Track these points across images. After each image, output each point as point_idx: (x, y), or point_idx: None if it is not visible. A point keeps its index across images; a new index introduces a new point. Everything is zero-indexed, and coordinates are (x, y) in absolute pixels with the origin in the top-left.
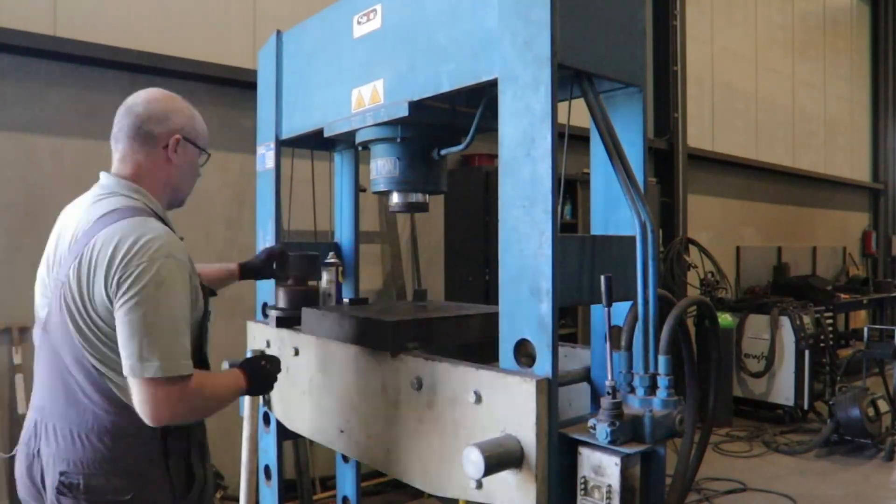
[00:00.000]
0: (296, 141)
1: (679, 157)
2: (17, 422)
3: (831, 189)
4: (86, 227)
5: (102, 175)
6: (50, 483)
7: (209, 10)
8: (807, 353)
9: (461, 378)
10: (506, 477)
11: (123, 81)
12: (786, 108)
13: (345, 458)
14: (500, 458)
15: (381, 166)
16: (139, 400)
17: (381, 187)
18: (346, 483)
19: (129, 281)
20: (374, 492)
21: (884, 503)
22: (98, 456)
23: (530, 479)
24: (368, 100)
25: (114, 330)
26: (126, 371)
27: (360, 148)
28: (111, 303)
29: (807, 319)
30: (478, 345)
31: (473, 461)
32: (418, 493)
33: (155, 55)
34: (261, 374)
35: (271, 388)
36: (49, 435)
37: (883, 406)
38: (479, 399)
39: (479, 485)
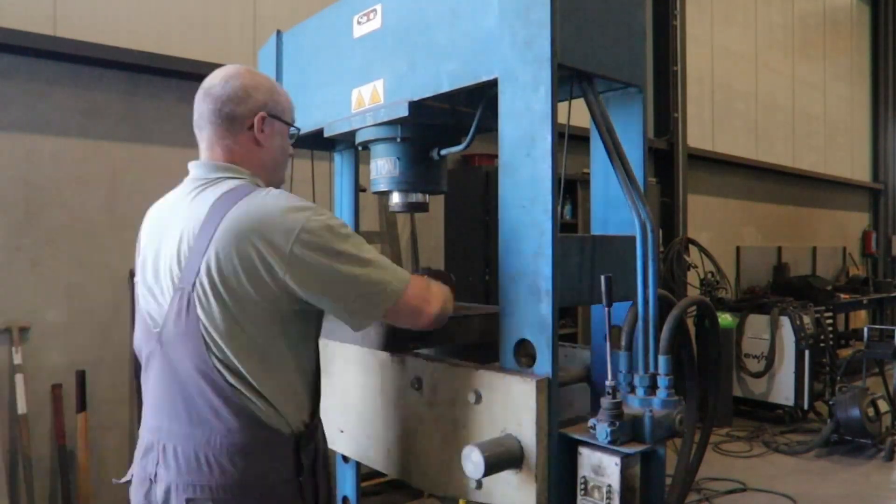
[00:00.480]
0: (296, 141)
1: (679, 157)
2: (17, 422)
3: (831, 189)
4: (201, 218)
5: (193, 166)
6: None
7: (209, 10)
8: (807, 353)
9: (461, 378)
10: (506, 477)
11: (123, 81)
12: (786, 108)
13: (345, 458)
14: (500, 458)
15: (381, 166)
16: (407, 323)
17: (382, 187)
18: (346, 483)
19: (311, 247)
20: (374, 492)
21: (884, 503)
22: (228, 480)
23: (530, 479)
24: (368, 100)
25: (271, 314)
26: (353, 324)
27: (360, 148)
28: (284, 277)
29: (807, 319)
30: (478, 345)
31: (473, 461)
32: (418, 493)
33: (155, 55)
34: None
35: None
36: (169, 458)
37: (883, 406)
38: (479, 399)
39: (479, 485)
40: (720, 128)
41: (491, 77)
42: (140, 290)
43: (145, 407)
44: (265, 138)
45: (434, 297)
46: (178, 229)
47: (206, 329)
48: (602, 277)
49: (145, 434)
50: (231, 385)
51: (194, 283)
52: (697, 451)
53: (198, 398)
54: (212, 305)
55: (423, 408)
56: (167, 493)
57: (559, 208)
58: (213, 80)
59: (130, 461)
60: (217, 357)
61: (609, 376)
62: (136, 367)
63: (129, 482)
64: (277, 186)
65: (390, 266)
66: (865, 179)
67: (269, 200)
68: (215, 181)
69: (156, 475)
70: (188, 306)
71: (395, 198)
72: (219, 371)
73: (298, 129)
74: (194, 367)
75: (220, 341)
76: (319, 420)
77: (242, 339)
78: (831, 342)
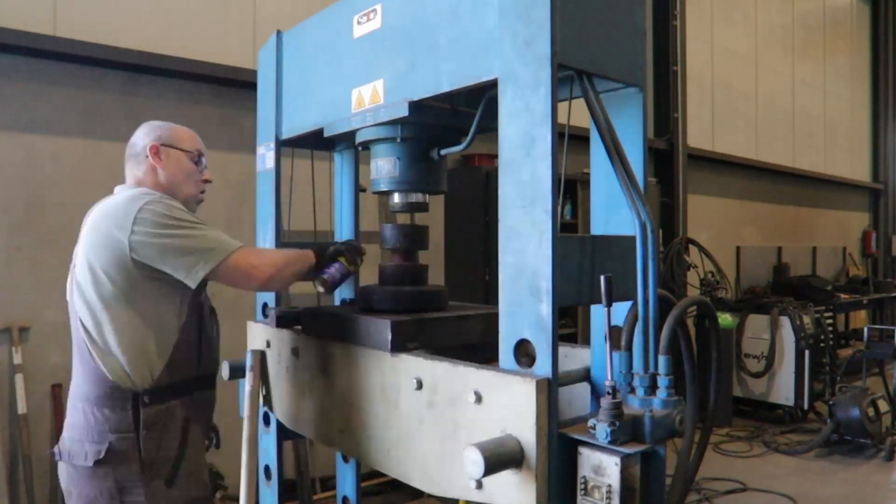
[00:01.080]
0: (296, 141)
1: (679, 157)
2: (16, 422)
3: (831, 189)
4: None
5: (117, 189)
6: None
7: (209, 10)
8: (807, 353)
9: (461, 378)
10: (506, 477)
11: (123, 81)
12: (786, 108)
13: (345, 458)
14: (500, 458)
15: (382, 166)
16: (241, 283)
17: (382, 187)
18: (346, 483)
19: (146, 224)
20: (374, 492)
21: (884, 503)
22: (77, 420)
23: (530, 479)
24: (368, 100)
25: (120, 283)
26: (190, 282)
27: (360, 148)
28: (130, 250)
29: (807, 319)
30: (478, 345)
31: (473, 461)
32: (418, 493)
33: (155, 55)
34: (332, 261)
35: (349, 269)
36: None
37: (883, 406)
38: (479, 399)
39: (479, 485)
40: (720, 128)
41: (491, 77)
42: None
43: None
44: (161, 162)
45: (267, 264)
46: (88, 223)
47: (78, 294)
48: (602, 277)
49: None
50: (87, 339)
51: (73, 263)
52: (697, 451)
53: (76, 349)
54: (78, 277)
55: (423, 408)
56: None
57: (559, 208)
58: (135, 134)
59: None
60: (82, 316)
61: (609, 376)
62: None
63: None
64: (192, 199)
65: (220, 237)
66: (865, 179)
67: (121, 196)
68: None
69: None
70: (71, 281)
71: (395, 198)
72: (83, 328)
73: (198, 153)
74: (74, 329)
75: (81, 303)
76: (194, 386)
77: (95, 304)
78: (831, 342)
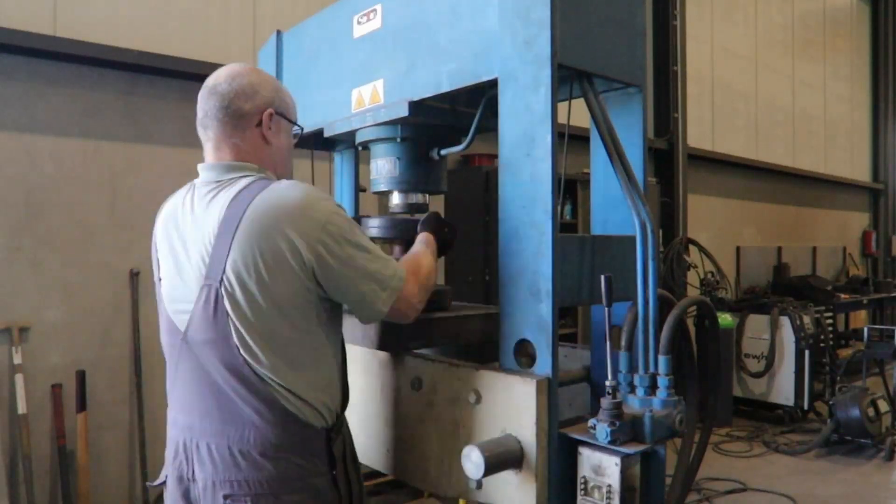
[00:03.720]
0: (296, 141)
1: (679, 157)
2: (16, 422)
3: (831, 189)
4: (220, 217)
5: (203, 168)
6: None
7: (209, 10)
8: (807, 353)
9: (461, 378)
10: (506, 477)
11: (123, 81)
12: (786, 108)
13: None
14: (500, 458)
15: (381, 166)
16: (394, 320)
17: (382, 187)
18: None
19: (329, 240)
20: (374, 492)
21: (884, 503)
22: (264, 474)
23: (530, 479)
24: (368, 100)
25: (302, 306)
26: (367, 319)
27: (360, 148)
28: (312, 266)
29: (807, 319)
30: (478, 345)
31: (473, 461)
32: (418, 493)
33: (155, 55)
34: (445, 240)
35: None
36: (204, 456)
37: (883, 406)
38: (479, 399)
39: (479, 485)
40: (720, 128)
41: (491, 77)
42: (164, 291)
43: (173, 408)
44: (273, 135)
45: (423, 289)
46: (199, 232)
47: (234, 324)
48: (602, 277)
49: (176, 434)
50: (262, 379)
51: (221, 279)
52: (697, 451)
53: (230, 394)
54: (239, 300)
55: (423, 408)
56: (205, 490)
57: (559, 208)
58: (217, 79)
59: (130, 461)
60: (246, 352)
61: (609, 376)
62: (137, 367)
63: (164, 484)
64: None
65: (391, 260)
66: (865, 179)
67: (290, 192)
68: (229, 182)
69: (193, 474)
70: (216, 303)
71: (395, 198)
72: (249, 366)
73: (302, 129)
74: (224, 364)
75: (247, 336)
76: (344, 413)
77: (271, 333)
78: (831, 342)
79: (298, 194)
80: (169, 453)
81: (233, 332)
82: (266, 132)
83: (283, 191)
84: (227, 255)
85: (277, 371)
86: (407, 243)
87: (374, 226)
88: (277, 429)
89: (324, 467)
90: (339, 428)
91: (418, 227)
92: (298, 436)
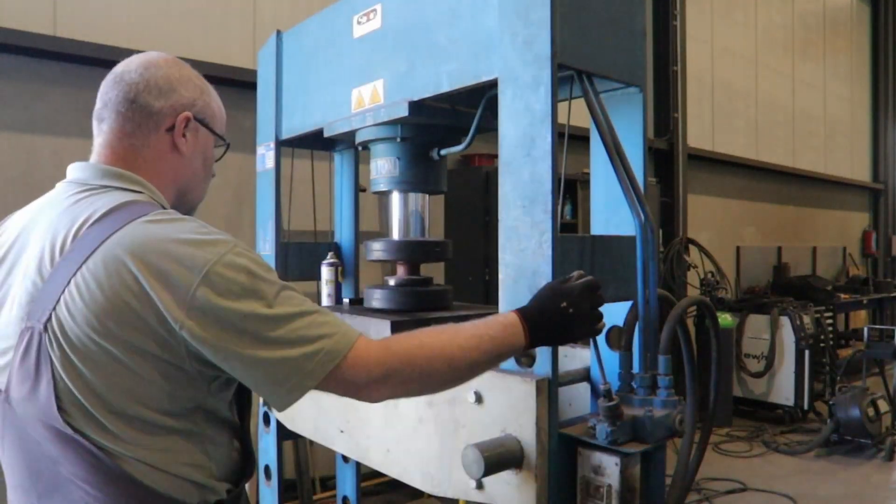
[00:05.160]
0: (296, 141)
1: (679, 157)
2: None
3: (831, 189)
4: (69, 235)
5: (74, 168)
6: None
7: (209, 10)
8: (807, 353)
9: None
10: (506, 477)
11: None
12: (786, 108)
13: (345, 458)
14: (500, 458)
15: (381, 166)
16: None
17: (381, 187)
18: (346, 483)
19: (221, 299)
20: (374, 492)
21: (884, 503)
22: None
23: (530, 479)
24: (368, 100)
25: (167, 367)
26: (278, 406)
27: (360, 148)
28: (181, 330)
29: (807, 319)
30: None
31: (473, 461)
32: (418, 493)
33: None
34: (552, 327)
35: (566, 339)
36: None
37: (883, 406)
38: (479, 399)
39: (479, 485)
40: (720, 128)
41: (491, 77)
42: None
43: (8, 487)
44: (186, 145)
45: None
46: (36, 249)
47: (61, 380)
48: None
49: None
50: (101, 449)
51: (48, 322)
52: (697, 451)
53: (54, 466)
54: (67, 354)
55: (423, 408)
56: None
57: (559, 208)
58: (128, 66)
59: None
60: (77, 416)
61: (608, 376)
62: None
63: None
64: (189, 212)
65: (337, 321)
66: (865, 179)
67: (169, 227)
68: (99, 190)
69: None
70: (38, 352)
71: (395, 198)
72: (73, 425)
73: (228, 145)
74: (42, 425)
75: (80, 397)
76: (243, 488)
77: (112, 396)
78: (831, 342)
79: (179, 231)
80: None
81: (57, 388)
82: (178, 139)
83: (163, 224)
84: (64, 288)
85: (122, 445)
86: (411, 265)
87: (377, 248)
88: (114, 501)
89: None
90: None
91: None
92: None
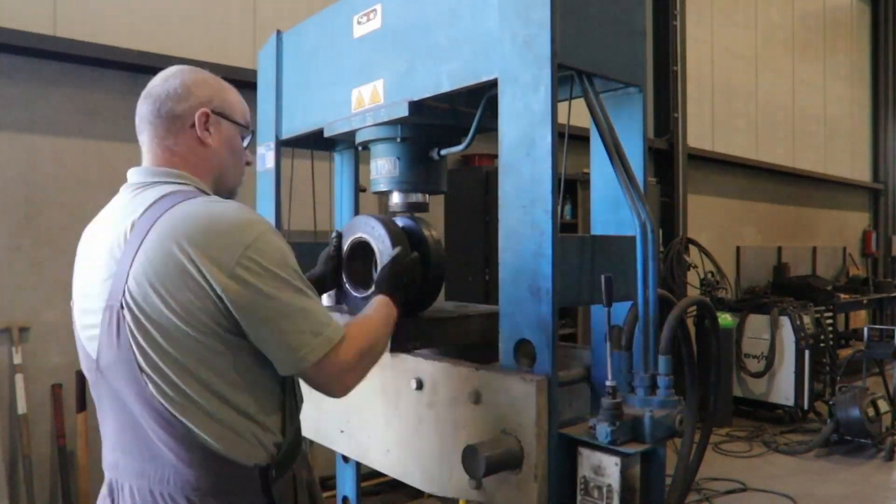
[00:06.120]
0: (296, 141)
1: (679, 157)
2: (17, 422)
3: (831, 189)
4: (129, 225)
5: (130, 173)
6: None
7: (209, 10)
8: (807, 353)
9: (461, 378)
10: (506, 477)
11: (123, 81)
12: (786, 108)
13: (345, 458)
14: (500, 458)
15: (381, 166)
16: (318, 385)
17: (382, 187)
18: (346, 483)
19: (247, 270)
20: (374, 492)
21: (884, 503)
22: None
23: (530, 479)
24: (368, 100)
25: (217, 332)
26: (288, 368)
27: (360, 148)
28: (223, 295)
29: (807, 319)
30: (478, 345)
31: (473, 461)
32: (418, 493)
33: (155, 55)
34: (404, 291)
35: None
36: (126, 498)
37: (883, 406)
38: (479, 399)
39: (479, 485)
40: (720, 128)
41: (491, 77)
42: (75, 315)
43: (103, 442)
44: (210, 137)
45: (364, 361)
46: (107, 241)
47: (140, 351)
48: (602, 277)
49: (106, 472)
50: (173, 414)
51: (122, 300)
52: (697, 451)
53: (146, 429)
54: (142, 324)
55: (423, 408)
56: None
57: (559, 208)
58: (153, 83)
59: None
60: (155, 382)
61: (609, 376)
62: None
63: None
64: (232, 194)
65: (318, 317)
66: (865, 179)
67: (212, 207)
68: (150, 185)
69: None
70: (118, 326)
71: (395, 198)
72: (158, 399)
73: (252, 132)
74: (135, 395)
75: (157, 363)
76: (299, 443)
77: (180, 362)
78: (831, 342)
79: (220, 212)
80: (102, 491)
81: (138, 359)
82: (202, 133)
83: (205, 205)
84: (129, 269)
85: (191, 403)
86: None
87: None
88: (197, 470)
89: None
90: (284, 464)
91: (373, 287)
92: (224, 477)
